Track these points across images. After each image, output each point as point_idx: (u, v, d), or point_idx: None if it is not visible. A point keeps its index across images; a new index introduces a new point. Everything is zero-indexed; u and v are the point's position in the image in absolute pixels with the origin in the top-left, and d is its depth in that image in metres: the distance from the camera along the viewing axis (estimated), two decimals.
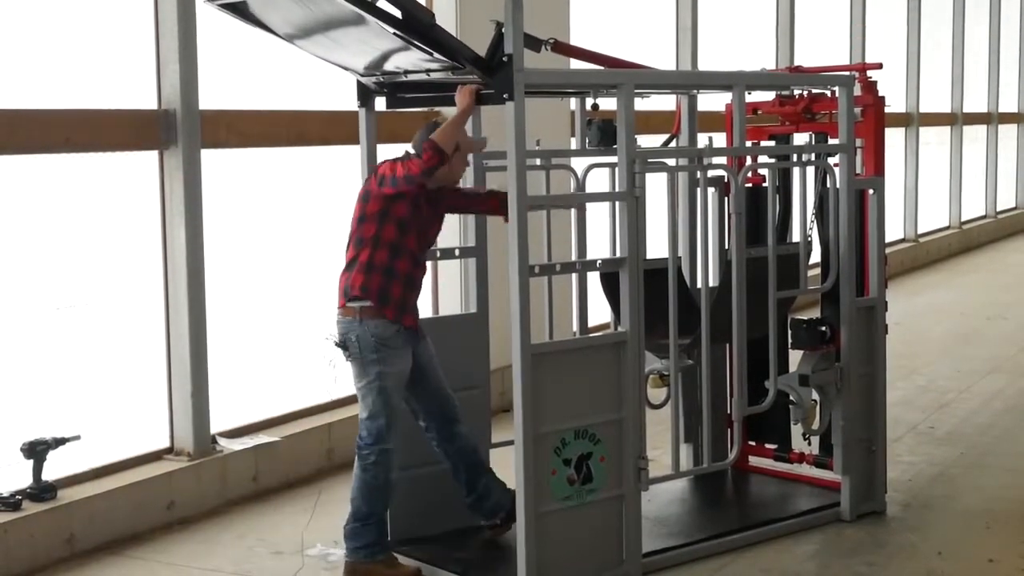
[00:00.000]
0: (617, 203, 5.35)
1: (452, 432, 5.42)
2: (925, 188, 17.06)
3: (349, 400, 7.43)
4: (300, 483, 6.86)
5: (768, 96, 6.53)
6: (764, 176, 6.26)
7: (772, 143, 6.55)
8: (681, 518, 6.10)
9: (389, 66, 5.24)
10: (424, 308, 8.01)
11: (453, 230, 7.91)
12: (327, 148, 7.35)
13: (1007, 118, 21.22)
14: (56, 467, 5.81)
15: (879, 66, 6.41)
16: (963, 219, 18.77)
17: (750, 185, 6.27)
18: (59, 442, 5.78)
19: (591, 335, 5.97)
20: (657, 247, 5.75)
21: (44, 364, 5.99)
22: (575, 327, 6.38)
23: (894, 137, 15.69)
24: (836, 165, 6.00)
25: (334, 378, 6.84)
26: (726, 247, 6.16)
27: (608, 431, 5.14)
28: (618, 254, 5.26)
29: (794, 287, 5.98)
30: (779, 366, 6.01)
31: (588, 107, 5.90)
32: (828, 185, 6.06)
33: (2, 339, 5.83)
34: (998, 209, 20.60)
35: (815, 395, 6.07)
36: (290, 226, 7.30)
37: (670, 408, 5.55)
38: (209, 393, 6.46)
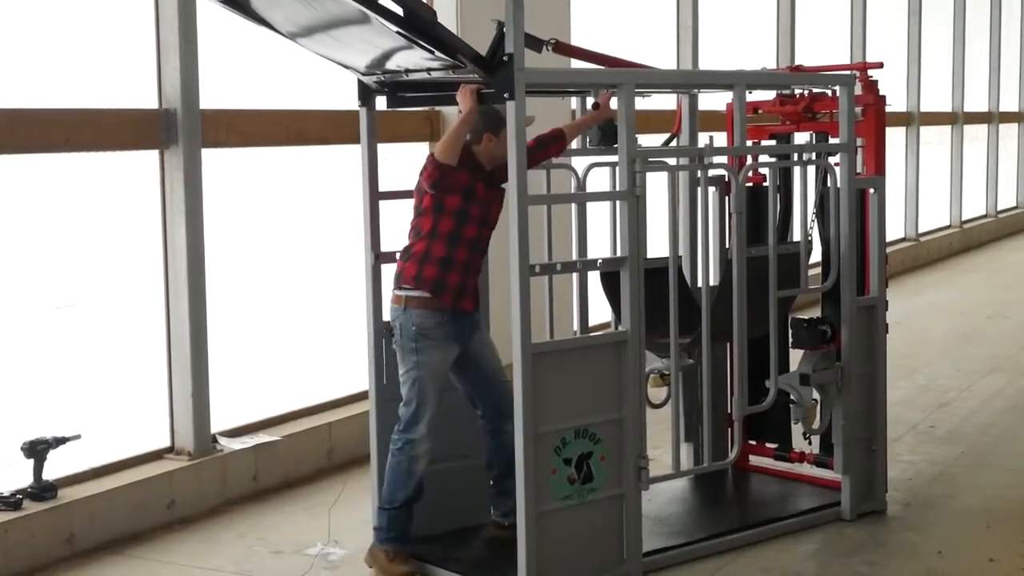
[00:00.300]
0: (618, 202, 5.35)
1: (500, 427, 5.40)
2: (926, 187, 17.05)
3: (349, 400, 7.45)
4: (300, 483, 6.86)
5: (769, 95, 6.53)
6: (765, 175, 6.26)
7: (773, 142, 6.55)
8: (681, 517, 6.10)
9: (390, 65, 5.23)
10: None
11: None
12: (327, 147, 7.35)
13: (1008, 117, 21.23)
14: (56, 466, 5.81)
15: (880, 65, 6.41)
16: (964, 218, 18.77)
17: (751, 184, 6.26)
18: (59, 441, 5.78)
19: (592, 334, 5.97)
20: (658, 246, 5.75)
21: (45, 363, 5.99)
22: (576, 326, 6.38)
23: (895, 136, 15.69)
24: (837, 164, 6.00)
25: None
26: (727, 246, 6.16)
27: (608, 430, 5.14)
28: (619, 253, 5.26)
29: (795, 286, 5.97)
30: (780, 365, 6.01)
31: (589, 106, 5.89)
32: (829, 184, 6.06)
33: (3, 338, 5.83)
34: (999, 208, 20.60)
35: (815, 394, 6.07)
36: (290, 225, 7.30)
37: (670, 407, 5.55)
38: (209, 392, 6.47)
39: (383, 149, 5.66)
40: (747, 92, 5.76)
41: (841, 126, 5.99)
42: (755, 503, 6.41)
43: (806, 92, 6.36)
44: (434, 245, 5.15)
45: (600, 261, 5.42)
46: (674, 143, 6.47)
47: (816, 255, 6.35)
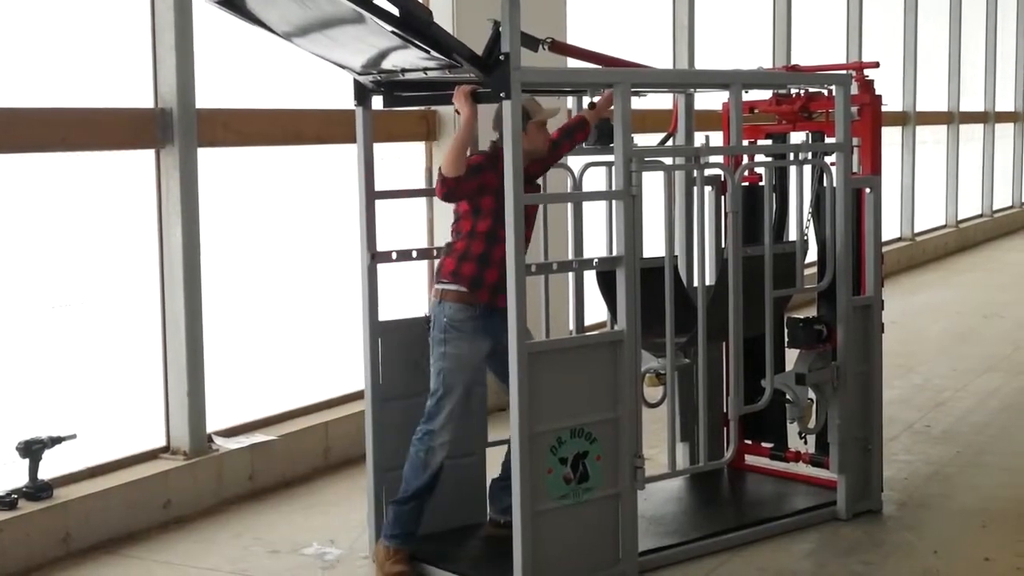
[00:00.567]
0: (614, 202, 5.35)
1: None
2: (922, 187, 17.07)
3: (345, 399, 7.45)
4: (296, 482, 6.86)
5: (765, 95, 6.53)
6: (761, 175, 6.26)
7: (769, 142, 6.56)
8: (677, 517, 6.11)
9: (386, 65, 5.23)
10: (421, 307, 8.04)
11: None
12: (324, 147, 7.35)
13: (1004, 117, 21.24)
14: (52, 466, 5.81)
15: (876, 65, 6.41)
16: (960, 218, 18.78)
17: (747, 184, 6.26)
18: (55, 441, 5.77)
19: (588, 334, 5.98)
20: (654, 246, 5.75)
21: (40, 363, 5.99)
22: (571, 326, 6.38)
23: (891, 136, 15.67)
24: (833, 164, 6.00)
25: None
26: (723, 246, 6.16)
27: (604, 430, 5.14)
28: (615, 253, 5.26)
29: (791, 286, 5.98)
30: (775, 365, 6.00)
31: (585, 106, 5.90)
32: (825, 184, 6.06)
33: None
34: (995, 208, 20.62)
35: (811, 394, 6.08)
36: (287, 225, 7.30)
37: (666, 407, 5.55)
38: (205, 392, 6.46)
39: (379, 149, 5.65)
40: (743, 92, 5.75)
41: (837, 126, 5.99)
42: (751, 503, 6.42)
43: (802, 92, 6.37)
44: (473, 244, 5.19)
45: (596, 260, 5.42)
46: (670, 142, 6.48)
47: (812, 255, 6.35)
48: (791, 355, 6.20)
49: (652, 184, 5.55)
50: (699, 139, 6.33)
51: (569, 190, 6.23)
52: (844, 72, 6.19)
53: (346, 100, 5.57)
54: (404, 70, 5.18)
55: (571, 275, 6.17)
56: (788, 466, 6.58)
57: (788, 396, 6.05)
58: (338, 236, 7.20)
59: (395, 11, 4.57)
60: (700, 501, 6.38)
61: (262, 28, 5.14)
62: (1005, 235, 20.22)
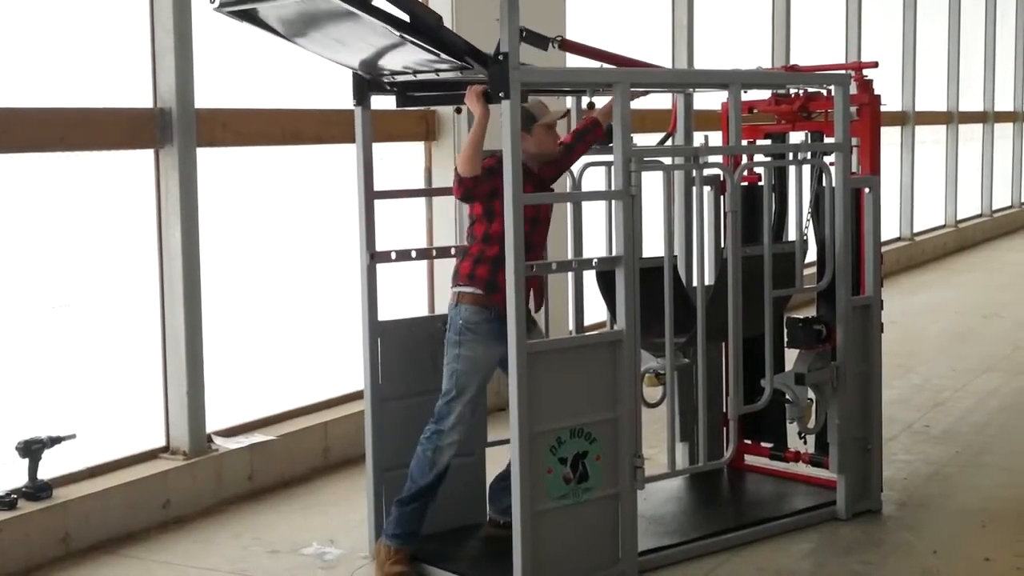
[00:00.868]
0: (613, 202, 5.35)
1: None
2: (921, 187, 17.07)
3: (345, 399, 7.45)
4: (296, 482, 6.86)
5: (764, 95, 6.53)
6: (760, 175, 6.26)
7: (768, 142, 6.55)
8: (677, 517, 6.11)
9: (397, 66, 5.24)
10: (420, 307, 8.06)
11: (449, 229, 7.94)
12: (322, 147, 7.34)
13: (1003, 117, 21.24)
14: (51, 466, 5.80)
15: (875, 65, 6.41)
16: (959, 218, 18.79)
17: (746, 184, 6.26)
18: (54, 441, 5.77)
19: (587, 334, 5.98)
20: (653, 246, 5.75)
21: (39, 363, 5.99)
22: (571, 326, 6.38)
23: (890, 136, 15.69)
24: (832, 164, 6.00)
25: None
26: (722, 246, 6.16)
27: (604, 430, 5.14)
28: (614, 253, 5.26)
29: (790, 286, 5.97)
30: (775, 365, 6.00)
31: (584, 105, 5.89)
32: (824, 184, 6.06)
33: None
34: (994, 208, 20.62)
35: (811, 394, 6.08)
36: (286, 225, 7.30)
37: (666, 407, 5.55)
38: (205, 392, 6.46)
39: (378, 149, 5.65)
40: (742, 91, 5.75)
41: (836, 125, 5.99)
42: (751, 502, 6.41)
43: (801, 92, 6.37)
44: (487, 247, 5.19)
45: (595, 260, 5.42)
46: (670, 142, 6.48)
47: (811, 255, 6.35)
48: (791, 355, 6.20)
49: (651, 184, 5.55)
50: (698, 139, 6.33)
51: (569, 190, 6.23)
52: (843, 72, 6.19)
53: (345, 100, 5.57)
54: (416, 71, 5.20)
55: (570, 275, 6.17)
56: (788, 466, 6.58)
57: (788, 396, 6.04)
58: (337, 236, 7.20)
59: (404, 17, 4.59)
60: (700, 501, 6.37)
61: (271, 33, 5.14)
62: (1004, 235, 20.22)
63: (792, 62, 10.18)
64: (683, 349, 5.77)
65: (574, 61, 6.78)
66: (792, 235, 6.33)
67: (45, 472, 5.75)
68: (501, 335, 5.14)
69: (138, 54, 6.29)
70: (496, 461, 5.65)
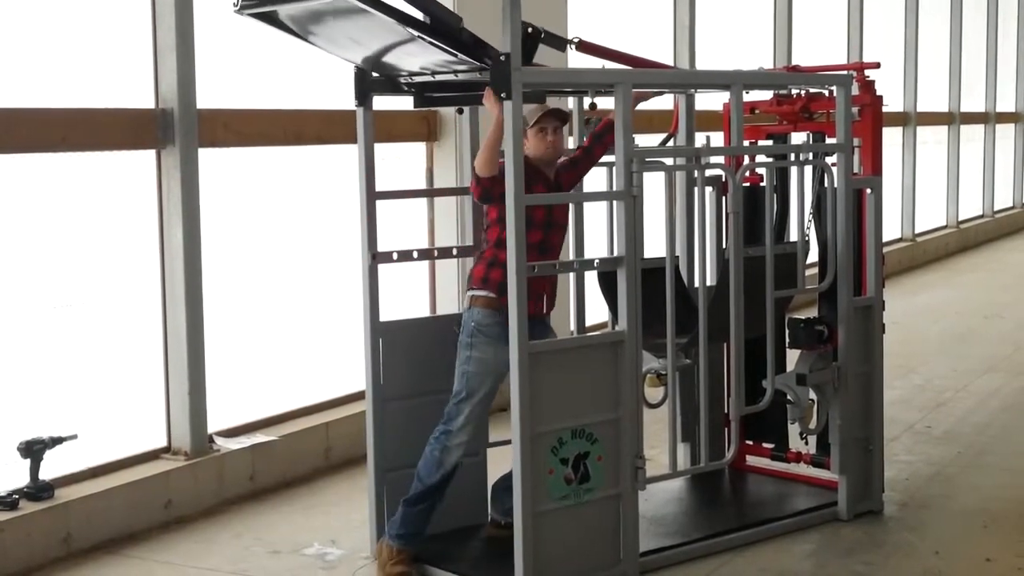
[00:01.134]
0: (615, 202, 5.35)
1: None
2: (922, 187, 17.06)
3: (346, 400, 7.45)
4: (297, 482, 6.86)
5: (766, 95, 6.53)
6: (762, 175, 6.26)
7: (770, 142, 6.55)
8: (678, 517, 6.10)
9: (415, 66, 5.24)
10: (421, 307, 8.06)
11: (450, 230, 7.94)
12: (324, 147, 7.34)
13: (1004, 117, 21.24)
14: (53, 466, 5.81)
15: (877, 65, 6.41)
16: (960, 218, 18.78)
17: (748, 184, 6.26)
18: (56, 441, 5.77)
19: (588, 334, 5.97)
20: (655, 246, 5.75)
21: (41, 363, 5.99)
22: (572, 326, 6.38)
23: (891, 136, 15.69)
24: (834, 164, 6.00)
25: None
26: (724, 246, 6.16)
27: (605, 430, 5.14)
28: (616, 253, 5.26)
29: (792, 286, 5.98)
30: (777, 365, 6.01)
31: (586, 106, 5.89)
32: (826, 184, 6.06)
33: (0, 338, 5.82)
34: (995, 208, 20.61)
35: (812, 394, 6.07)
36: (288, 225, 7.30)
37: (667, 407, 5.54)
38: (206, 392, 6.46)
39: (380, 149, 5.65)
40: (744, 92, 5.75)
41: (838, 126, 5.99)
42: (752, 503, 6.41)
43: (803, 92, 6.36)
44: (500, 252, 5.18)
45: (597, 261, 5.42)
46: (671, 143, 6.47)
47: (813, 255, 6.35)
48: (792, 356, 6.20)
49: (653, 184, 5.55)
50: (700, 140, 6.33)
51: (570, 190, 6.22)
52: (845, 72, 6.19)
53: (347, 100, 5.58)
54: (434, 72, 5.20)
55: (572, 275, 6.17)
56: (789, 467, 6.58)
57: (789, 397, 6.04)
58: (339, 236, 7.20)
59: (424, 18, 4.60)
60: (701, 502, 6.37)
61: (287, 32, 5.13)
62: (1006, 235, 20.21)
63: (794, 63, 10.19)
64: (685, 350, 5.77)
65: (575, 62, 6.79)
66: (794, 236, 6.33)
67: (47, 472, 5.76)
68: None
69: (140, 54, 6.29)
70: (498, 462, 5.65)
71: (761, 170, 6.20)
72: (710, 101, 7.04)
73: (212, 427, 6.57)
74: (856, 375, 6.09)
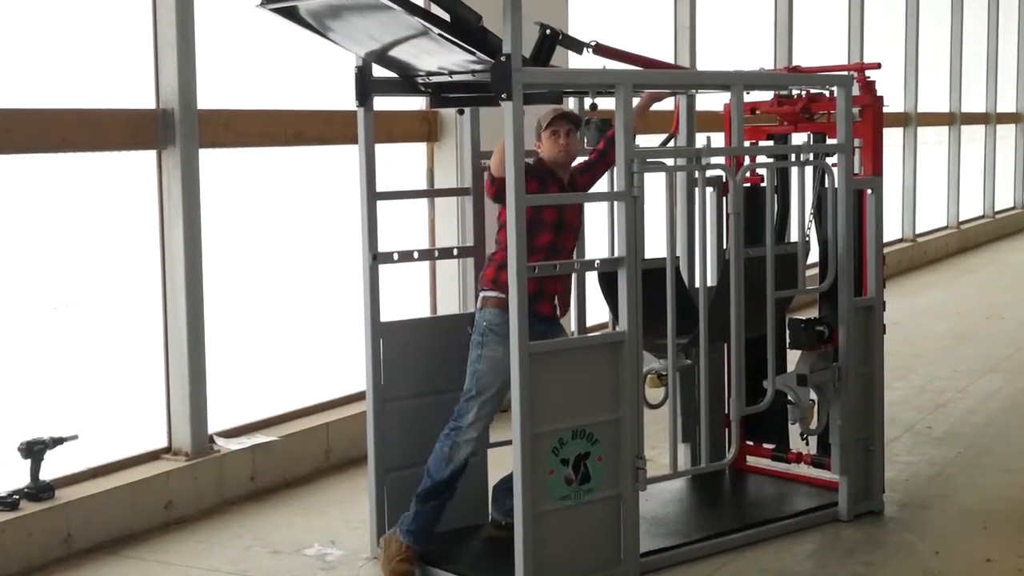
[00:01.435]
0: (615, 203, 5.35)
1: None
2: (923, 188, 17.06)
3: (347, 400, 7.45)
4: (298, 483, 6.86)
5: (766, 96, 6.53)
6: (762, 176, 6.26)
7: (770, 143, 6.55)
8: (679, 518, 6.10)
9: (432, 66, 5.25)
10: (422, 308, 8.07)
11: (451, 230, 7.94)
12: (325, 148, 7.35)
13: (1005, 118, 21.23)
14: (54, 467, 5.81)
15: (877, 66, 6.41)
16: (961, 219, 18.78)
17: (748, 185, 6.26)
18: (57, 442, 5.77)
19: (589, 335, 5.97)
20: (655, 247, 5.75)
21: (42, 364, 5.99)
22: (573, 327, 6.38)
23: (892, 137, 15.69)
24: (834, 165, 6.00)
25: None
26: (724, 247, 6.16)
27: (606, 431, 5.14)
28: (616, 254, 5.26)
29: (792, 287, 5.98)
30: (777, 366, 6.01)
31: (587, 107, 5.89)
32: (826, 185, 6.06)
33: (0, 339, 5.82)
34: (996, 209, 20.61)
35: (813, 395, 6.07)
36: (288, 226, 7.30)
37: (668, 408, 5.54)
38: (207, 393, 6.46)
39: (380, 149, 5.65)
40: (745, 93, 5.75)
41: (839, 127, 5.99)
42: (752, 504, 6.41)
43: (804, 93, 6.36)
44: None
45: (598, 261, 5.42)
46: (672, 144, 6.47)
47: (814, 256, 6.35)
48: (792, 356, 6.20)
49: (654, 185, 5.55)
50: (701, 140, 6.33)
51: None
52: (845, 73, 6.19)
53: (348, 101, 5.58)
54: (452, 72, 5.21)
55: (573, 276, 6.16)
56: (789, 467, 6.58)
57: (790, 397, 6.04)
58: (340, 237, 7.20)
59: (445, 16, 4.60)
60: (701, 502, 6.37)
61: (307, 28, 5.13)
62: (1006, 236, 20.21)
63: (794, 63, 10.19)
64: (685, 350, 5.77)
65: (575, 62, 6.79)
66: (794, 236, 6.33)
67: (47, 473, 5.76)
68: (534, 335, 5.16)
69: (141, 54, 6.29)
70: (498, 462, 5.65)
71: (762, 171, 6.20)
72: (711, 102, 7.04)
73: (213, 427, 6.57)
74: (857, 376, 6.09)
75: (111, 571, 5.60)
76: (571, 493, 5.05)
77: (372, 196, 5.55)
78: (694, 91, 6.44)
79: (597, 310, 6.35)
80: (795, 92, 6.41)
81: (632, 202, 5.12)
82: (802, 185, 6.18)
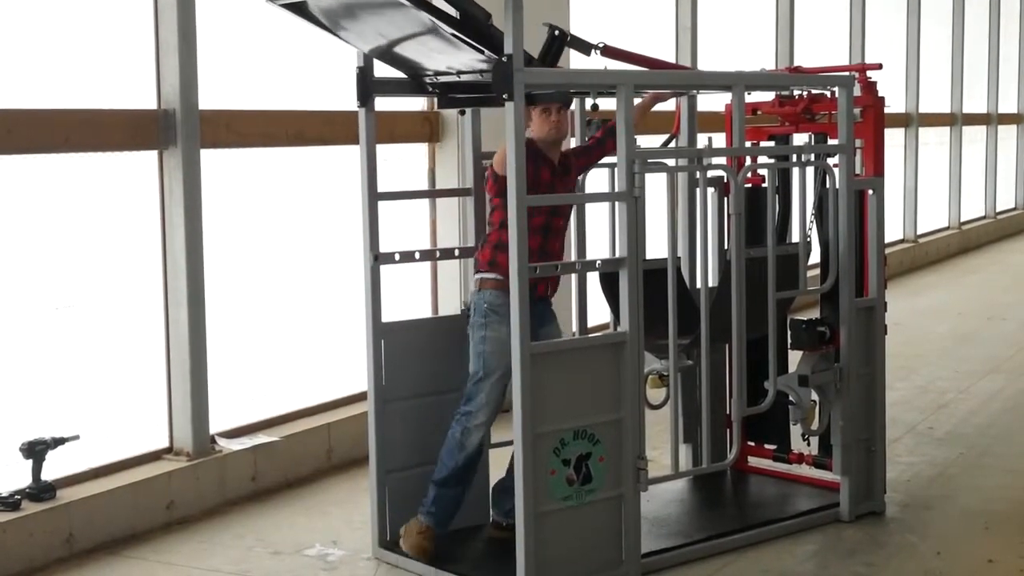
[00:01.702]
0: (616, 203, 5.35)
1: None
2: (924, 189, 17.06)
3: (348, 400, 7.45)
4: (299, 483, 6.86)
5: (768, 96, 6.53)
6: (763, 176, 6.26)
7: (772, 143, 6.55)
8: (680, 518, 6.10)
9: (441, 65, 5.25)
10: (423, 308, 8.06)
11: (452, 230, 7.94)
12: (326, 148, 7.35)
13: (1006, 119, 21.23)
14: (55, 467, 5.81)
15: (879, 66, 6.41)
16: (962, 220, 18.77)
17: (749, 185, 6.26)
18: (58, 442, 5.77)
19: (590, 335, 5.97)
20: (656, 247, 5.75)
21: (43, 364, 5.99)
22: (574, 327, 6.38)
23: (893, 137, 15.69)
24: (835, 165, 6.00)
25: None
26: (725, 247, 6.16)
27: (607, 431, 5.14)
28: (617, 254, 5.26)
29: (793, 287, 5.98)
30: (779, 366, 6.01)
31: (588, 107, 5.89)
32: (828, 185, 6.06)
33: (2, 339, 5.83)
34: (997, 210, 20.60)
35: (814, 395, 6.07)
36: (290, 226, 7.30)
37: (669, 408, 5.54)
38: (208, 393, 6.46)
39: (382, 150, 5.66)
40: (746, 93, 5.75)
41: (840, 127, 5.99)
42: (754, 504, 6.41)
43: (805, 93, 6.36)
44: (504, 234, 5.18)
45: (599, 262, 5.42)
46: (673, 144, 6.47)
47: (815, 256, 6.35)
48: (794, 357, 6.20)
49: (655, 185, 5.55)
50: (702, 141, 6.33)
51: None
52: (847, 74, 6.19)
53: (349, 101, 5.58)
54: (460, 72, 5.21)
55: (574, 276, 6.16)
56: (791, 468, 6.58)
57: (791, 398, 6.04)
58: (341, 237, 7.20)
59: (454, 12, 4.61)
60: (703, 503, 6.37)
61: (315, 25, 5.13)
62: (1008, 237, 20.20)
63: (796, 64, 10.19)
64: (686, 351, 5.77)
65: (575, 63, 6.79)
66: (795, 237, 6.33)
67: (49, 473, 5.76)
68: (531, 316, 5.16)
69: (142, 55, 6.30)
70: (499, 462, 5.65)
71: (763, 171, 6.20)
72: (712, 102, 7.04)
73: (214, 428, 6.57)
74: (858, 376, 6.09)
75: (113, 571, 5.61)
76: (572, 493, 5.05)
77: (373, 196, 5.55)
78: (695, 92, 6.44)
79: (598, 310, 6.34)
80: (796, 93, 6.41)
81: (633, 202, 5.12)
82: (803, 186, 6.18)
